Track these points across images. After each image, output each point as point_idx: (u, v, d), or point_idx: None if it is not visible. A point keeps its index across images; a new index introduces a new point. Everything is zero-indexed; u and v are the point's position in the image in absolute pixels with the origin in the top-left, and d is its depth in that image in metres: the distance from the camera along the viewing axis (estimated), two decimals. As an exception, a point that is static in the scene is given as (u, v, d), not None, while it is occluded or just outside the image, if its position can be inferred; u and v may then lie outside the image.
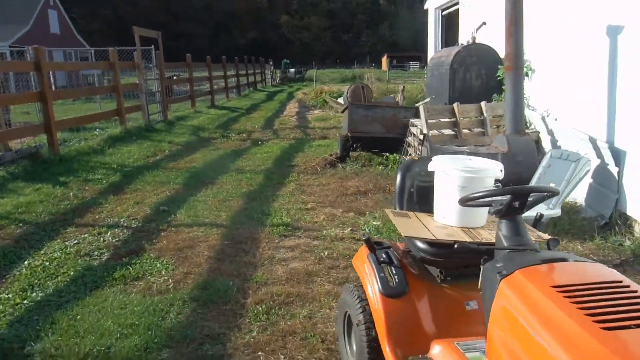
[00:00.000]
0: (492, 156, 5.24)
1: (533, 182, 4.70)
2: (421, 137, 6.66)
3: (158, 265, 4.49)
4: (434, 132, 6.37)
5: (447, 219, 2.50)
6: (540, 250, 1.94)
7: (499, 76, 7.60)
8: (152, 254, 4.73)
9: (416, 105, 8.64)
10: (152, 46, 13.67)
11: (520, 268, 1.72)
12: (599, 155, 5.13)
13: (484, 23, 8.07)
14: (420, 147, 6.84)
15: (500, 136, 5.44)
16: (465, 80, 7.81)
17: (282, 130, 13.25)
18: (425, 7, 13.81)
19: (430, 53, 13.49)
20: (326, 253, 4.62)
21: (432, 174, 2.62)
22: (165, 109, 13.85)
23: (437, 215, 2.57)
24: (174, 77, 17.61)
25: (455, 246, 2.07)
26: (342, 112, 9.04)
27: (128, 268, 4.40)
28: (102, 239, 5.14)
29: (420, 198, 2.74)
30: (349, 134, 8.08)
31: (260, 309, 3.64)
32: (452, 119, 6.42)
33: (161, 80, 13.93)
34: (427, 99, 8.48)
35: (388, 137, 8.05)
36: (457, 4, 10.94)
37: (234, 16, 75.62)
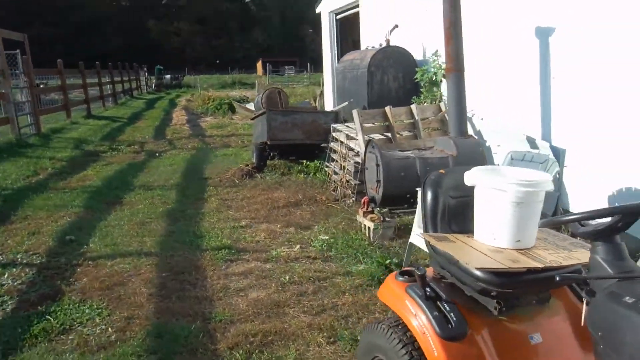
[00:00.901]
0: (443, 160, 5.12)
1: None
2: (353, 144, 6.38)
3: (87, 310, 3.67)
4: (366, 137, 6.12)
5: (497, 240, 2.17)
6: (654, 272, 1.68)
7: (416, 78, 7.60)
8: (74, 297, 3.88)
9: (335, 109, 8.39)
10: (18, 50, 11.94)
11: None
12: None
13: (396, 26, 8.05)
14: (350, 154, 6.57)
15: (445, 139, 5.33)
16: (383, 83, 7.71)
17: (178, 140, 12.29)
18: (318, 11, 13.67)
19: (326, 57, 13.40)
20: (287, 278, 4.12)
21: (466, 188, 2.28)
22: (37, 120, 12.17)
23: (483, 236, 2.23)
24: (42, 86, 15.63)
25: (557, 278, 1.74)
26: (254, 118, 8.50)
27: (48, 319, 3.54)
28: None
29: (453, 216, 2.38)
30: (267, 141, 7.58)
31: (238, 355, 3.06)
32: (386, 123, 6.23)
33: (30, 88, 12.22)
34: (345, 103, 8.25)
35: (308, 144, 7.69)
36: (356, 7, 10.91)
37: (97, 20, 70.51)
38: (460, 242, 2.24)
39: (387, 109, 6.24)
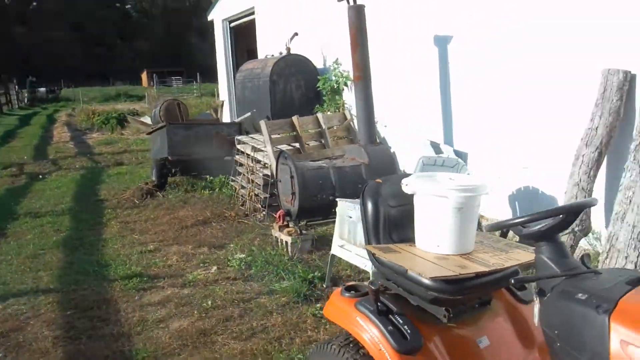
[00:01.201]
0: (356, 168, 5.15)
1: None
2: (260, 156, 6.24)
3: (-21, 366, 3.19)
4: (276, 148, 6.02)
5: (441, 247, 2.18)
6: (598, 270, 1.77)
7: (318, 87, 7.65)
8: (-40, 352, 3.36)
9: (237, 120, 8.17)
10: None
11: (620, 297, 1.53)
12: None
13: (296, 34, 8.04)
14: (257, 167, 6.42)
15: (355, 147, 5.38)
16: (286, 92, 7.66)
17: (63, 159, 11.32)
18: (210, 18, 13.35)
19: (221, 66, 13.11)
20: (209, 302, 3.89)
21: (405, 196, 2.26)
22: None
23: (426, 244, 2.22)
24: None
25: (512, 281, 1.77)
26: (151, 133, 8.03)
27: None
28: None
29: (393, 226, 2.36)
30: (168, 157, 7.19)
31: (170, 395, 2.81)
32: (293, 133, 6.17)
33: None
34: (248, 114, 8.08)
35: (211, 158, 7.41)
36: (251, 14, 10.78)
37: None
38: (405, 251, 2.21)
39: (295, 118, 6.19)
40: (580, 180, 3.76)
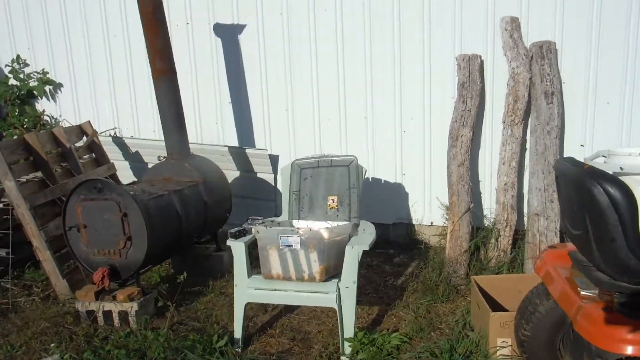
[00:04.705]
0: (194, 189, 3.89)
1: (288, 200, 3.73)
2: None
3: None
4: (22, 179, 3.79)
5: None
6: None
7: (-4, 95, 5.25)
8: None
9: None
10: None
11: None
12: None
13: None
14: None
15: (176, 164, 4.00)
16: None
17: None
18: None
19: None
20: None
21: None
22: None
23: None
24: None
25: None
26: None
27: None
28: None
29: None
30: None
31: None
32: (31, 158, 4.04)
33: None
34: None
35: None
36: None
37: None
38: None
39: (30, 136, 4.06)
40: (463, 160, 4.01)
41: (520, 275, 3.51)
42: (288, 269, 3.07)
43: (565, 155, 3.98)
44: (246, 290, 3.10)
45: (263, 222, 3.40)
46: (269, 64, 4.72)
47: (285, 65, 4.66)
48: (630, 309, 1.83)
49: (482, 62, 4.12)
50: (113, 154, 5.02)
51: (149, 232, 3.30)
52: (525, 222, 3.88)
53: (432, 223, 4.53)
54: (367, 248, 3.02)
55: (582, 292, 2.02)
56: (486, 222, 4.23)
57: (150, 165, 5.09)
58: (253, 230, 3.12)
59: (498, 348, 2.73)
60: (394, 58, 4.37)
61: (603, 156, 2.38)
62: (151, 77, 4.03)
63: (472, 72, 4.06)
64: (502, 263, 3.82)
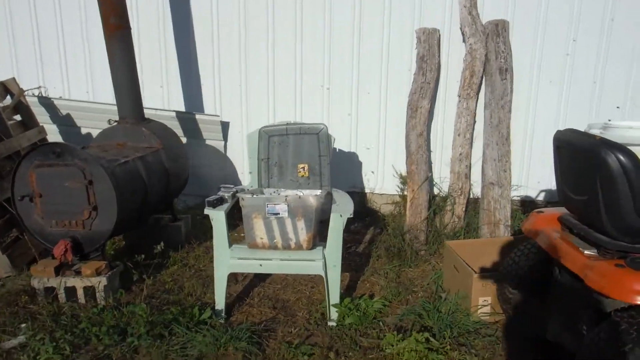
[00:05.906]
0: (156, 155, 3.64)
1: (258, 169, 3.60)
2: None
3: None
4: None
5: None
6: None
7: None
8: None
9: None
10: None
11: None
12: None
13: None
14: None
15: (130, 127, 3.69)
16: None
17: None
18: None
19: None
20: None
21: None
22: None
23: None
24: None
25: None
26: None
27: None
28: None
29: None
30: None
31: None
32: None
33: None
34: None
35: None
36: None
37: None
38: None
39: None
40: (422, 131, 4.15)
41: (487, 240, 3.72)
42: (274, 238, 3.02)
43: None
44: (229, 260, 3.01)
45: (245, 190, 3.29)
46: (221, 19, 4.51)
47: (240, 24, 4.47)
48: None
49: (439, 36, 4.26)
50: (39, 116, 4.52)
51: (119, 201, 3.05)
52: (480, 191, 4.13)
53: (384, 193, 4.67)
54: (351, 215, 3.05)
55: (585, 252, 2.22)
56: (436, 190, 4.46)
57: (83, 130, 4.72)
58: (239, 198, 3.00)
59: (480, 307, 2.93)
60: (353, 29, 4.38)
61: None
62: (102, 32, 3.67)
63: (431, 46, 4.19)
64: (459, 229, 4.05)
